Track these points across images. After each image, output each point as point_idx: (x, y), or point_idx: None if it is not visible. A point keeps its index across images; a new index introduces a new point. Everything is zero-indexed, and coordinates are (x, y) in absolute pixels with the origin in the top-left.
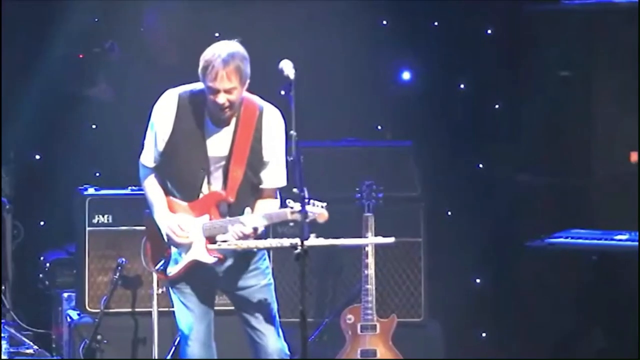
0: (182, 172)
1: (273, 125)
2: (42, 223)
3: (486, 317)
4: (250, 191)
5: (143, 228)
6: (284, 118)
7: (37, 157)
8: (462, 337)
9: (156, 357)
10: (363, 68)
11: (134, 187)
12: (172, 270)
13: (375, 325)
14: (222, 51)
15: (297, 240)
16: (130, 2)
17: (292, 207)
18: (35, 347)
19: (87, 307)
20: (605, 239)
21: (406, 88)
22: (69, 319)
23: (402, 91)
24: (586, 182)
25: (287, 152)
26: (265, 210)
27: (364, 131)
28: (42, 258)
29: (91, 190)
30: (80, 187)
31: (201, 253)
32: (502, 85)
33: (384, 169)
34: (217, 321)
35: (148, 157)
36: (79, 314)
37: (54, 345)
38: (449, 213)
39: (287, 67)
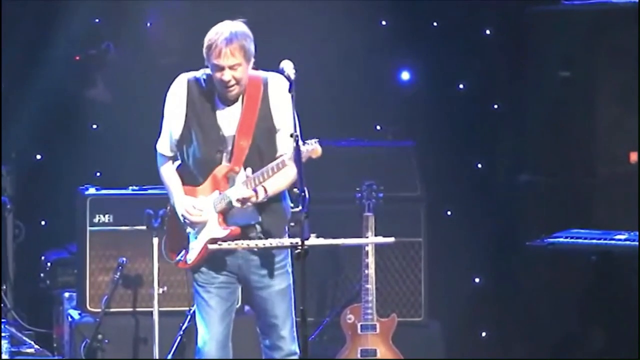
0: (200, 155)
1: (279, 92)
2: (43, 223)
3: (486, 317)
4: (264, 160)
5: (144, 228)
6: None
7: (39, 157)
8: (462, 336)
9: (157, 357)
10: (363, 68)
11: (134, 187)
12: (191, 256)
13: (376, 324)
14: (225, 30)
15: (298, 240)
16: (129, 2)
17: (284, 154)
18: (37, 346)
19: (88, 306)
20: (605, 239)
21: (405, 88)
22: (70, 319)
23: (401, 91)
24: (586, 182)
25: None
26: (285, 175)
27: (364, 131)
28: (43, 257)
29: (92, 190)
30: (82, 187)
31: (214, 229)
32: (501, 85)
33: (384, 168)
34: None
35: (164, 145)
36: (80, 314)
37: (55, 345)
38: (449, 213)
39: (288, 68)
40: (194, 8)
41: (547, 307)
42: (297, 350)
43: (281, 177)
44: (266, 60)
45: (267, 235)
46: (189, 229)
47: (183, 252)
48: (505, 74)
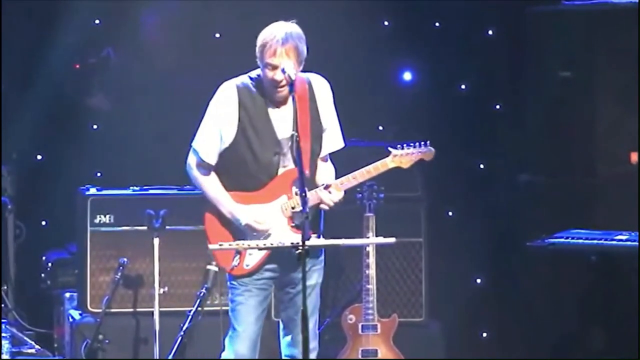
0: (256, 159)
1: (323, 92)
2: (44, 223)
3: (487, 317)
4: (314, 162)
5: (144, 228)
6: (329, 82)
7: (39, 157)
8: (463, 337)
9: (157, 358)
10: (364, 68)
11: (135, 187)
12: (251, 261)
13: (377, 325)
14: (280, 30)
15: (298, 241)
16: (127, 3)
17: (394, 153)
18: (37, 346)
19: (88, 307)
20: (606, 239)
21: (407, 88)
22: (70, 319)
23: (403, 92)
24: (587, 182)
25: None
26: (329, 174)
27: (366, 131)
28: (44, 258)
29: (93, 190)
30: (82, 187)
31: (287, 235)
32: (503, 85)
33: None
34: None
35: (211, 153)
36: (80, 314)
37: (55, 345)
38: (450, 213)
39: (289, 68)
40: (195, 10)
41: (548, 307)
42: (317, 347)
43: (364, 173)
44: None
45: (316, 233)
46: (248, 236)
47: (237, 257)
48: (507, 74)
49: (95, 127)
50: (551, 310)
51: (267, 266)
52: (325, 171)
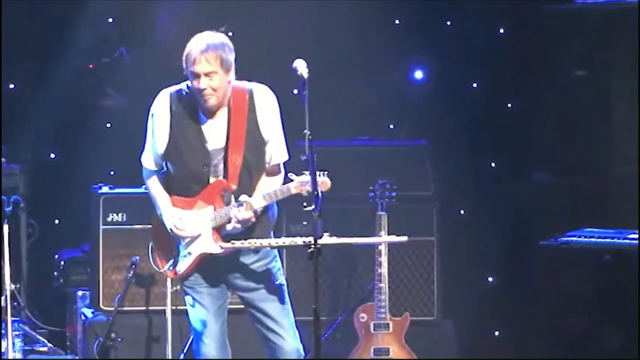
0: (187, 169)
1: (265, 103)
2: (56, 221)
3: (499, 316)
4: (252, 175)
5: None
6: (275, 94)
7: (52, 155)
8: (475, 335)
9: (169, 356)
10: (376, 67)
11: None
12: (182, 267)
13: (389, 323)
14: (202, 39)
15: (311, 239)
16: (142, 2)
17: (293, 180)
18: (50, 345)
19: (101, 305)
20: (619, 238)
21: (419, 87)
22: (83, 317)
23: (415, 90)
24: (600, 181)
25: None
26: (265, 189)
27: (378, 130)
28: (56, 256)
29: (106, 189)
30: (95, 186)
31: (208, 245)
32: (515, 84)
33: (397, 168)
34: (230, 320)
35: (149, 160)
36: (93, 312)
37: (68, 343)
38: (462, 212)
39: (301, 67)
40: (206, 8)
41: (561, 306)
42: (301, 349)
43: (272, 195)
44: (280, 59)
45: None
46: (182, 241)
47: (172, 261)
48: (519, 73)
49: (108, 125)
50: (564, 309)
51: (205, 271)
52: (267, 185)
